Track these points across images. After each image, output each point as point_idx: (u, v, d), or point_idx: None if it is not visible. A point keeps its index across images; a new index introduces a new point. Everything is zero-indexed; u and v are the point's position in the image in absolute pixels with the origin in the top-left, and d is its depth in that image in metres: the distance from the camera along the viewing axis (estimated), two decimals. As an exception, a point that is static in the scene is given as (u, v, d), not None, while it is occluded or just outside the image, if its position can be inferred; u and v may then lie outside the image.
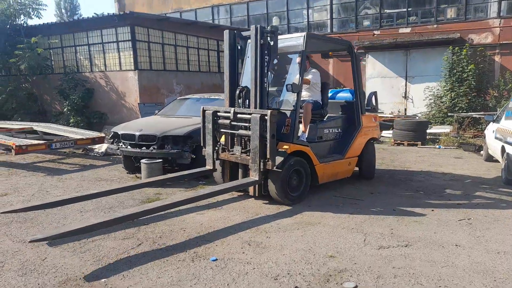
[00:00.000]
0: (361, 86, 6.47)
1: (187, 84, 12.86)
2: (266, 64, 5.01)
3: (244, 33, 5.47)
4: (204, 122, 5.53)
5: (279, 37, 5.49)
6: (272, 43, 4.98)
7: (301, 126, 5.50)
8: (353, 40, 15.57)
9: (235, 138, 5.37)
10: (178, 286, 3.07)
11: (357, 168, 6.53)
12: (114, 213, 4.59)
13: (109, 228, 4.19)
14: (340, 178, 6.13)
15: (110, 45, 11.69)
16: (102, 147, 9.11)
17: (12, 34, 12.22)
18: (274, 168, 4.83)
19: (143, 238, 4.03)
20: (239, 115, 5.14)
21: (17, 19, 12.78)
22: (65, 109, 11.78)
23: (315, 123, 5.77)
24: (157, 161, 6.37)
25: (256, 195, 5.27)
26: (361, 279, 3.17)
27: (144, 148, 6.58)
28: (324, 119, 6.02)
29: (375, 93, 6.68)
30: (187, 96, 8.75)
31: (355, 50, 6.54)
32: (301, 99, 5.82)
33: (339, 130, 6.16)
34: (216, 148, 5.53)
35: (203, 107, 5.60)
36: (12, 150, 7.36)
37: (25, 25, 12.88)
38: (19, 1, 12.60)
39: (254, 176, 4.94)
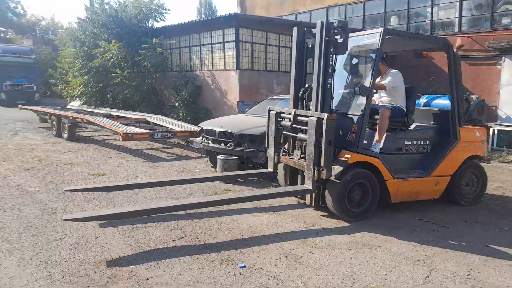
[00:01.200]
0: (461, 93, 5.41)
1: (287, 84, 12.77)
2: (331, 63, 4.54)
3: (314, 30, 5.09)
4: (268, 122, 5.33)
5: (353, 34, 4.97)
6: (341, 40, 4.49)
7: (376, 135, 4.86)
8: (486, 41, 13.39)
9: (296, 142, 5.04)
10: (193, 287, 2.97)
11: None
12: (148, 203, 4.86)
13: (165, 216, 4.38)
14: (423, 199, 5.23)
15: (218, 45, 12.35)
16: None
17: (141, 35, 13.91)
18: (331, 178, 4.36)
19: (188, 232, 4.07)
20: (299, 118, 4.81)
21: (146, 22, 14.53)
22: (176, 104, 12.92)
23: (394, 132, 5.05)
24: (232, 158, 6.44)
25: (312, 205, 4.85)
26: (398, 324, 2.59)
27: (222, 144, 6.72)
28: (408, 128, 5.21)
29: (482, 101, 5.56)
30: (277, 96, 8.66)
31: (454, 50, 5.43)
32: (382, 104, 5.25)
33: (427, 143, 5.25)
34: (278, 150, 5.28)
35: (269, 108, 5.39)
36: (120, 136, 8.32)
37: (152, 27, 14.56)
38: (148, 6, 14.28)
39: (307, 184, 4.57)
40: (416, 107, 5.73)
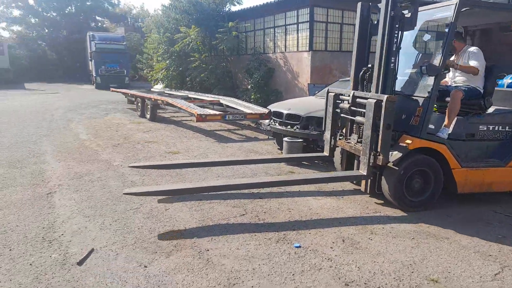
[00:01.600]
0: None
1: (363, 66, 12.26)
2: (396, 40, 4.21)
3: (380, 4, 4.62)
4: (326, 105, 5.18)
5: (424, 7, 4.55)
6: (409, 14, 4.14)
7: (446, 119, 4.47)
8: None
9: (354, 125, 4.84)
10: (248, 261, 3.12)
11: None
12: (198, 182, 5.09)
13: (230, 194, 4.61)
14: (496, 190, 4.71)
15: (291, 26, 12.23)
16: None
17: (218, 20, 14.35)
18: (388, 165, 4.15)
19: (249, 210, 4.23)
20: (358, 100, 4.58)
21: (224, 7, 14.91)
22: (249, 86, 13.20)
23: (467, 116, 4.61)
24: (298, 140, 6.45)
25: (368, 192, 4.62)
26: (455, 319, 2.45)
27: (289, 126, 6.75)
28: (484, 112, 4.70)
29: None
30: (349, 78, 8.34)
31: None
32: (456, 85, 4.79)
33: (507, 129, 4.70)
34: (335, 134, 5.13)
35: (328, 89, 5.23)
36: (194, 117, 8.81)
37: (229, 11, 14.91)
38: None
39: (362, 170, 4.37)
40: (499, 88, 5.16)
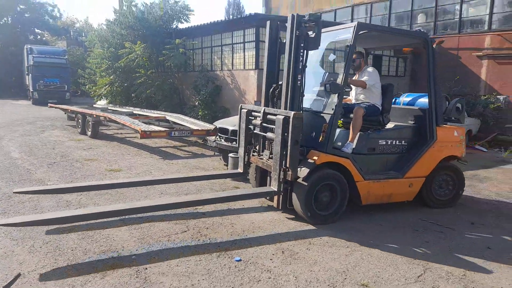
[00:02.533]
0: (439, 91, 5.18)
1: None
2: (301, 58, 4.31)
3: (287, 24, 4.64)
4: (239, 121, 5.19)
5: (328, 28, 4.89)
6: (313, 35, 4.29)
7: (350, 134, 4.74)
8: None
9: (266, 142, 4.87)
10: (188, 277, 3.10)
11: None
12: (78, 210, 4.43)
13: (172, 212, 4.53)
14: (396, 201, 5.01)
15: (238, 45, 12.50)
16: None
17: (165, 36, 14.28)
18: (299, 180, 4.25)
19: (191, 226, 4.21)
20: (268, 116, 4.63)
21: (171, 24, 14.89)
22: (196, 103, 13.19)
23: (368, 132, 4.91)
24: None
25: (280, 207, 4.56)
26: (381, 320, 2.62)
27: (234, 142, 6.84)
28: (383, 127, 5.04)
29: (461, 100, 5.44)
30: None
31: (434, 45, 5.13)
32: (357, 102, 5.18)
33: (403, 143, 5.06)
34: (248, 150, 5.13)
35: (241, 105, 5.29)
36: (139, 134, 8.62)
37: (176, 28, 14.91)
38: (173, 8, 14.64)
39: (273, 186, 4.40)
40: (396, 106, 5.69)
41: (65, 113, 13.53)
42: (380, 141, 4.91)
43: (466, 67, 14.13)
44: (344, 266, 3.39)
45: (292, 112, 4.13)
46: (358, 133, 4.77)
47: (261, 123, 4.74)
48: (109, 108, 14.16)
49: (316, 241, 3.93)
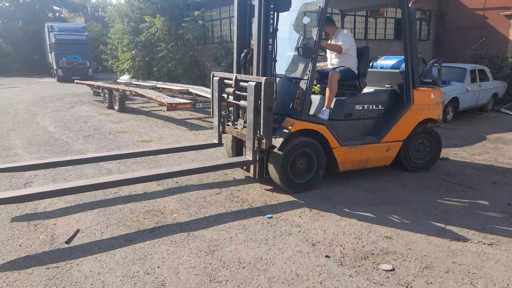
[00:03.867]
0: (416, 52, 5.01)
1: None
2: (272, 21, 4.07)
3: None
4: (212, 90, 5.04)
5: None
6: None
7: (325, 100, 4.64)
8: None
9: (240, 110, 4.74)
10: (226, 231, 3.43)
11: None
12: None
13: (206, 175, 4.85)
14: (373, 166, 4.97)
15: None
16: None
17: (183, 9, 14.33)
18: (274, 150, 4.21)
19: (224, 189, 4.53)
20: (241, 83, 4.47)
21: (188, -5, 14.90)
22: (217, 75, 13.37)
23: (344, 97, 4.79)
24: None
25: (257, 177, 4.58)
26: (404, 265, 2.89)
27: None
28: (359, 92, 4.92)
29: (438, 61, 5.34)
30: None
31: (410, 4, 4.90)
32: (333, 67, 5.08)
33: (379, 107, 4.95)
34: (223, 120, 5.00)
35: (212, 73, 5.09)
36: (165, 107, 8.93)
37: (194, 0, 14.91)
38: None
39: (248, 155, 4.31)
40: (373, 70, 5.55)
41: (91, 89, 13.96)
42: (356, 106, 4.80)
43: (493, 27, 13.69)
44: (368, 221, 3.66)
45: (264, 78, 3.95)
46: (334, 99, 4.67)
47: (234, 91, 4.60)
48: (132, 82, 14.51)
49: (341, 200, 4.20)
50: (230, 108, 5.12)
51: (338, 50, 4.82)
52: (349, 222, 3.64)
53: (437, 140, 5.35)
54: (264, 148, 4.17)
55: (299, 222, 3.63)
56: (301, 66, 4.64)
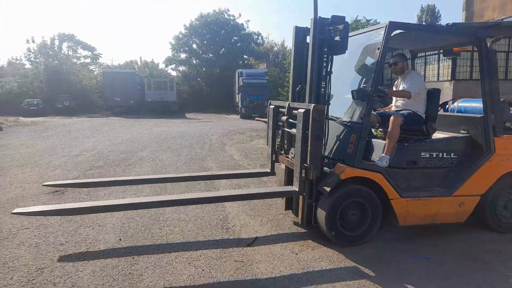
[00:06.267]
0: (497, 94, 4.32)
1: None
2: (325, 64, 4.07)
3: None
4: (268, 118, 5.05)
5: (358, 31, 4.54)
6: (338, 38, 3.99)
7: (385, 146, 4.23)
8: None
9: (292, 139, 4.57)
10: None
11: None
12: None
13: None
14: (442, 222, 4.34)
15: (432, 57, 12.15)
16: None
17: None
18: (322, 189, 3.93)
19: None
20: (293, 111, 4.40)
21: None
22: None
23: (409, 143, 4.29)
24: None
25: (304, 224, 4.27)
26: None
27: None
28: (427, 138, 4.40)
29: None
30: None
31: (488, 44, 4.31)
32: (396, 109, 4.72)
33: (452, 156, 4.37)
34: (276, 149, 4.94)
35: (270, 101, 5.14)
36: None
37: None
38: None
39: (295, 185, 4.13)
40: (449, 113, 5.13)
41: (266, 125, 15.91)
42: (422, 154, 4.30)
43: None
44: None
45: (313, 105, 3.89)
46: (396, 145, 4.26)
47: (287, 118, 4.57)
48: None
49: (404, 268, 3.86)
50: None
51: (406, 96, 4.54)
52: None
53: None
54: (311, 178, 4.01)
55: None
56: (357, 110, 4.42)
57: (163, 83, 32.34)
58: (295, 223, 4.70)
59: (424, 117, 4.58)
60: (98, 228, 4.49)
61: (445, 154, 4.38)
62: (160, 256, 3.76)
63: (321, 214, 4.02)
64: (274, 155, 5.01)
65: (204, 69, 40.48)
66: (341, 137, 4.34)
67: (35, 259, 3.66)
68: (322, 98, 4.15)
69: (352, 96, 4.02)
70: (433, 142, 4.42)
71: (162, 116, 26.69)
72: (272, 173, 5.16)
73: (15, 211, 3.75)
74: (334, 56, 4.12)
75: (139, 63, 49.05)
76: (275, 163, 5.09)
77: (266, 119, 17.35)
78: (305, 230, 4.46)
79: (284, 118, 4.61)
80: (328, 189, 3.88)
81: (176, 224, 4.68)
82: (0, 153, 10.15)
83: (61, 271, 3.42)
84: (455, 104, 5.46)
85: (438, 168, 4.38)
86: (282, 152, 4.90)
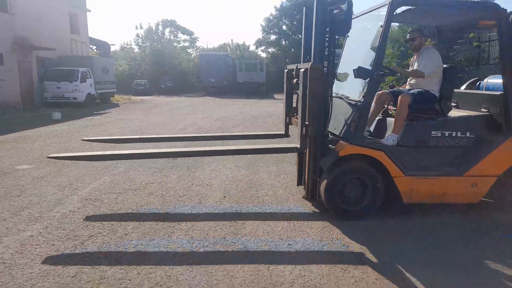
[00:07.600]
0: None
1: None
2: (327, 44, 4.12)
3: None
4: (284, 82, 5.09)
5: (364, 10, 4.47)
6: (343, 16, 3.96)
7: (393, 125, 4.25)
8: None
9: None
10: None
11: None
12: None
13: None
14: (453, 202, 4.26)
15: None
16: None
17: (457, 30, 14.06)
18: (322, 165, 4.12)
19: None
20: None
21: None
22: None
23: (418, 122, 4.23)
24: None
25: (309, 198, 4.57)
26: None
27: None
28: (439, 116, 4.26)
29: None
30: None
31: (511, 18, 3.95)
32: (409, 87, 4.64)
33: (467, 135, 4.19)
34: (290, 112, 5.06)
35: (286, 66, 5.21)
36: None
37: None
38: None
39: (297, 142, 4.30)
40: (473, 91, 5.00)
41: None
42: (433, 133, 4.15)
43: None
44: None
45: (310, 63, 4.01)
46: (404, 123, 4.19)
47: (296, 80, 4.53)
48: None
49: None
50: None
51: (419, 76, 4.42)
52: None
53: None
54: (309, 135, 4.11)
55: None
56: (360, 88, 4.37)
57: (253, 65, 33.53)
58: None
59: (438, 96, 4.43)
60: (207, 187, 5.38)
61: (459, 133, 4.20)
62: (258, 213, 4.45)
63: (322, 189, 4.18)
64: (288, 118, 5.14)
65: (293, 50, 40.70)
66: (346, 115, 4.40)
67: (162, 205, 4.64)
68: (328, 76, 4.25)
69: (354, 75, 4.02)
70: (446, 121, 4.27)
71: (251, 97, 27.92)
72: (287, 135, 5.31)
73: (50, 155, 4.64)
74: (352, 36, 4.39)
75: (231, 46, 51.24)
76: (289, 126, 5.25)
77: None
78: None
79: (294, 80, 4.66)
80: (326, 165, 4.10)
81: (270, 188, 5.35)
82: (122, 125, 12.05)
83: (181, 215, 4.32)
84: (485, 80, 5.25)
85: (451, 148, 4.23)
86: (295, 114, 4.98)
